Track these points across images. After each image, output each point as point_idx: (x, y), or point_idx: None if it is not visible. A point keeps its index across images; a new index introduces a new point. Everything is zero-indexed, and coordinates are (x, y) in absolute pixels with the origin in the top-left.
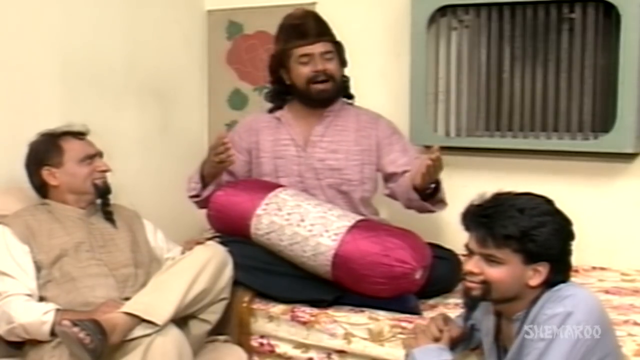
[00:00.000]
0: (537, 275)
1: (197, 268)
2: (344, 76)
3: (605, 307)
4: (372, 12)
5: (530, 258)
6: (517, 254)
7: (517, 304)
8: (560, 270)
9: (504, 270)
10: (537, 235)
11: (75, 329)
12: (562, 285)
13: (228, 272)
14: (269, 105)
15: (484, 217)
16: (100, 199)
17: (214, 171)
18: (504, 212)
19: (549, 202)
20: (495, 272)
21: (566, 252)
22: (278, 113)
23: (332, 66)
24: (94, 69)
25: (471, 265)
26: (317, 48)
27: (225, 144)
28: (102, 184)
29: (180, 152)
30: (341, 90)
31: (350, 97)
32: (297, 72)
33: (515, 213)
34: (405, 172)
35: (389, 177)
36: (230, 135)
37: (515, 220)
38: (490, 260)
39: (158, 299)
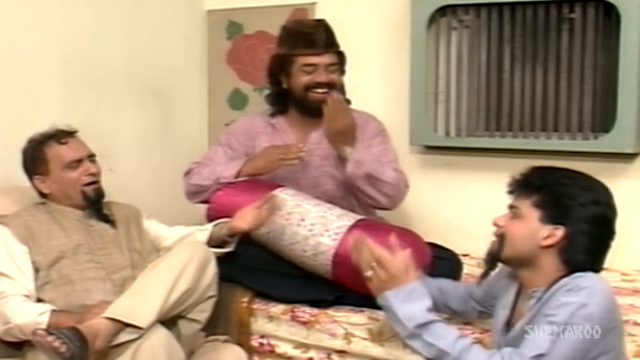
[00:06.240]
0: (551, 237)
1: (178, 268)
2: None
3: None
4: (372, 12)
5: (548, 217)
6: (536, 209)
7: (534, 275)
8: (577, 248)
9: (521, 225)
10: (555, 190)
11: (50, 338)
12: (582, 274)
13: (212, 269)
14: (267, 106)
15: (526, 171)
16: (93, 206)
17: (264, 169)
18: (542, 169)
19: (603, 188)
20: (513, 226)
21: (591, 234)
22: (273, 119)
23: (335, 77)
24: (93, 69)
25: (498, 217)
26: (324, 60)
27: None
28: (91, 192)
29: (180, 152)
30: None
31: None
32: (298, 79)
33: (550, 171)
34: None
35: None
36: (225, 138)
37: (544, 175)
38: (513, 213)
39: (140, 302)
